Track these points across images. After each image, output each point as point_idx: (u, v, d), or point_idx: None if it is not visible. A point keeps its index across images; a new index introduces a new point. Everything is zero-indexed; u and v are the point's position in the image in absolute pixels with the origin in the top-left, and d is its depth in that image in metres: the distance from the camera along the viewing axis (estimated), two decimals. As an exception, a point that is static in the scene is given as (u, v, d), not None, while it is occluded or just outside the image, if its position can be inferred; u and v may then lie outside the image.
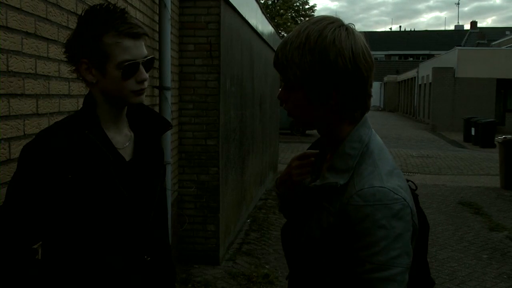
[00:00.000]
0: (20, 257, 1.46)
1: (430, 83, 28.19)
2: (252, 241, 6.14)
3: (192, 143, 5.04)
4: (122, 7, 1.53)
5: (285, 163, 1.73)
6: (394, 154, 14.74)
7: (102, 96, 1.53)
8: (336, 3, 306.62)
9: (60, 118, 1.81)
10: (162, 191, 1.72)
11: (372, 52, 1.35)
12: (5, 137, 1.92)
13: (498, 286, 5.12)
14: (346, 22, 1.33)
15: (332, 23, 1.29)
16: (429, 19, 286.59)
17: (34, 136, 1.52)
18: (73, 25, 2.37)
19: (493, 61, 25.59)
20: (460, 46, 40.46)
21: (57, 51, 2.29)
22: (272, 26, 9.44)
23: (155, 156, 1.67)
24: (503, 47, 30.26)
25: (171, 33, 4.35)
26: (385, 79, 49.34)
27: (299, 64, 1.28)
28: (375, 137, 1.38)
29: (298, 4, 33.76)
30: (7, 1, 1.89)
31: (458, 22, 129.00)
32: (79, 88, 2.52)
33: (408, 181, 1.41)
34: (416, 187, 1.44)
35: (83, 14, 1.50)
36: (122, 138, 1.59)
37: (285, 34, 26.52)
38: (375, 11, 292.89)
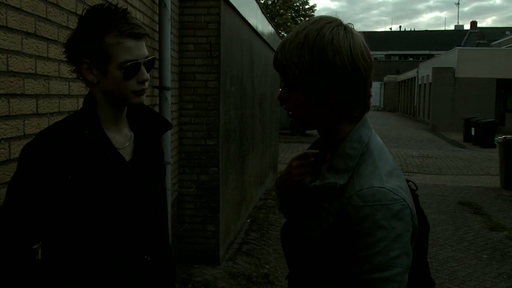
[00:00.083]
0: (20, 257, 1.46)
1: (430, 83, 28.19)
2: (252, 241, 6.14)
3: (192, 143, 5.04)
4: (124, 7, 1.53)
5: (285, 163, 1.73)
6: (394, 154, 14.74)
7: (102, 96, 1.53)
8: (336, 3, 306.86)
9: (60, 118, 1.81)
10: (162, 191, 1.72)
11: (372, 52, 1.35)
12: (5, 137, 1.92)
13: (498, 286, 5.12)
14: (346, 22, 1.33)
15: (331, 23, 1.29)
16: (429, 19, 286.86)
17: (34, 136, 1.52)
18: (73, 25, 2.37)
19: (493, 61, 25.59)
20: (460, 46, 40.45)
21: (57, 51, 2.29)
22: (272, 26, 9.44)
23: (155, 156, 1.67)
24: (503, 47, 30.25)
25: (171, 33, 4.35)
26: (385, 79, 49.35)
27: (298, 64, 1.28)
28: (375, 137, 1.38)
29: (298, 4, 33.76)
30: (7, 1, 1.89)
31: (458, 22, 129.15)
32: (79, 88, 2.52)
33: (408, 181, 1.41)
34: (417, 187, 1.44)
35: (84, 14, 1.50)
36: (122, 138, 1.59)
37: (285, 34, 26.53)
38: (375, 11, 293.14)
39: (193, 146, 5.04)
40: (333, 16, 1.34)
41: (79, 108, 2.30)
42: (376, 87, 49.58)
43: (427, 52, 58.27)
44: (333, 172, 1.32)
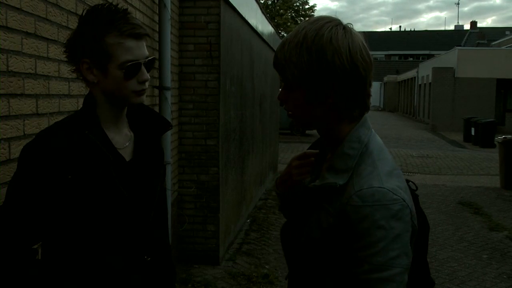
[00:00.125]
0: (20, 257, 1.46)
1: (430, 83, 28.19)
2: (252, 241, 6.14)
3: (192, 143, 5.04)
4: (124, 7, 1.53)
5: (285, 163, 1.74)
6: (394, 154, 14.74)
7: (103, 96, 1.53)
8: (336, 3, 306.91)
9: (60, 118, 1.81)
10: (162, 191, 1.72)
11: (372, 52, 1.34)
12: (5, 137, 1.92)
13: (498, 286, 5.12)
14: (346, 22, 1.33)
15: (330, 22, 1.29)
16: (429, 19, 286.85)
17: (34, 136, 1.52)
18: (73, 25, 2.37)
19: (493, 61, 25.59)
20: (460, 46, 40.45)
21: (57, 51, 2.29)
22: (272, 26, 9.44)
23: (155, 156, 1.67)
24: (503, 47, 30.25)
25: (171, 33, 4.35)
26: (385, 79, 49.35)
27: (297, 63, 1.28)
28: (375, 137, 1.38)
29: (298, 4, 33.76)
30: (7, 1, 1.89)
31: (458, 22, 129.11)
32: (79, 88, 2.52)
33: (408, 181, 1.41)
34: (417, 187, 1.44)
35: (84, 13, 1.50)
36: (122, 138, 1.59)
37: (285, 34, 26.52)
38: (375, 11, 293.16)
39: (193, 146, 5.04)
40: (333, 16, 1.34)
41: (79, 108, 2.30)
42: (376, 87, 49.60)
43: (427, 52, 58.27)
44: (333, 172, 1.32)
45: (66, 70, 2.28)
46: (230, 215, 5.78)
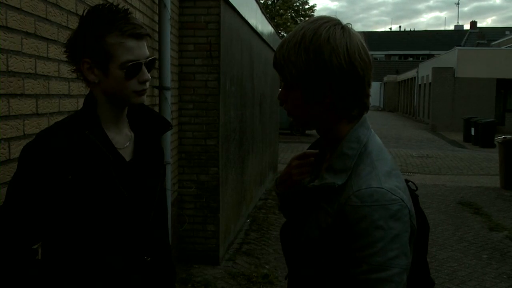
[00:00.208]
0: (20, 257, 1.46)
1: (430, 83, 28.19)
2: (252, 241, 6.14)
3: (192, 143, 5.04)
4: (125, 7, 1.53)
5: (285, 163, 1.73)
6: (394, 154, 14.75)
7: (103, 96, 1.53)
8: (336, 3, 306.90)
9: (60, 118, 1.81)
10: (162, 191, 1.72)
11: (372, 52, 1.34)
12: (5, 137, 1.92)
13: (498, 286, 5.12)
14: (346, 22, 1.33)
15: (328, 22, 1.30)
16: (429, 19, 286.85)
17: (34, 136, 1.52)
18: (73, 25, 2.37)
19: (493, 61, 25.59)
20: (460, 46, 40.47)
21: (57, 51, 2.29)
22: (272, 26, 9.44)
23: (155, 156, 1.67)
24: (503, 47, 30.26)
25: (171, 33, 4.35)
26: (385, 79, 49.35)
27: (295, 63, 1.29)
28: (374, 137, 1.38)
29: (298, 4, 33.76)
30: (7, 1, 1.89)
31: (458, 22, 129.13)
32: (79, 88, 2.52)
33: (408, 181, 1.41)
34: (416, 187, 1.44)
35: (85, 13, 1.50)
36: (123, 138, 1.59)
37: (285, 34, 26.53)
38: (375, 11, 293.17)
39: (193, 146, 5.04)
40: (332, 16, 1.34)
41: (79, 108, 2.30)
42: (376, 87, 49.60)
43: (427, 52, 58.26)
44: (332, 172, 1.32)
45: (66, 70, 2.28)
46: (230, 215, 5.78)
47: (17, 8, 1.97)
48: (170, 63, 4.33)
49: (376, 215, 1.21)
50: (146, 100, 1.59)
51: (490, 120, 18.64)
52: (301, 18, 32.82)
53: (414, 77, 37.26)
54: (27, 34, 2.05)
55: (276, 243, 6.02)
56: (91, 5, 1.58)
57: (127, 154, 1.58)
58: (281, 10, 32.43)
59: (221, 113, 5.03)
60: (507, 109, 26.01)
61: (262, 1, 29.90)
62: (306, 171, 1.48)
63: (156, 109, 4.28)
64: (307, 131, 19.33)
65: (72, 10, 2.45)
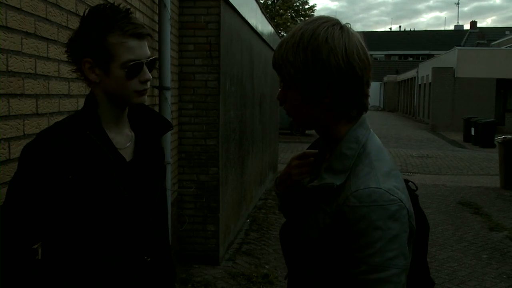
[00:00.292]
0: (21, 257, 1.46)
1: (430, 83, 28.19)
2: (252, 241, 6.14)
3: (192, 143, 5.04)
4: (126, 7, 1.53)
5: (285, 163, 1.73)
6: (394, 154, 14.75)
7: (104, 96, 1.53)
8: (336, 3, 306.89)
9: (60, 118, 1.81)
10: (162, 191, 1.72)
11: (372, 52, 1.35)
12: (5, 137, 1.92)
13: (498, 286, 5.12)
14: (345, 22, 1.33)
15: (326, 22, 1.29)
16: (429, 19, 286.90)
17: (34, 136, 1.52)
18: (73, 25, 2.37)
19: (493, 61, 25.60)
20: (460, 46, 40.47)
21: (57, 51, 2.29)
22: (272, 26, 9.44)
23: (156, 156, 1.67)
24: (503, 47, 30.26)
25: (171, 33, 4.36)
26: (385, 79, 49.34)
27: (293, 63, 1.29)
28: (373, 137, 1.37)
29: (297, 4, 33.74)
30: (7, 1, 1.89)
31: (458, 22, 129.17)
32: (79, 88, 2.52)
33: (408, 181, 1.41)
34: (416, 187, 1.44)
35: (87, 13, 1.50)
36: (123, 139, 1.59)
37: (285, 34, 26.51)
38: (375, 11, 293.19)
39: (193, 146, 5.04)
40: (332, 16, 1.34)
41: (79, 108, 2.30)
42: (375, 87, 49.58)
43: (427, 52, 58.23)
44: (330, 173, 1.32)
45: (66, 70, 2.28)
46: (230, 215, 5.78)
47: (17, 8, 1.97)
48: (170, 63, 4.33)
49: (375, 215, 1.21)
50: (146, 100, 1.59)
51: (490, 120, 18.64)
52: (301, 18, 32.81)
53: (414, 77, 37.26)
54: (27, 34, 2.05)
55: (276, 243, 6.02)
56: (91, 5, 1.58)
57: (127, 154, 1.58)
58: (281, 10, 32.43)
59: (221, 113, 5.03)
60: (507, 109, 26.02)
61: (262, 1, 29.90)
62: (306, 171, 1.48)
63: (156, 109, 4.28)
64: (307, 131, 19.33)
65: (72, 10, 2.45)
